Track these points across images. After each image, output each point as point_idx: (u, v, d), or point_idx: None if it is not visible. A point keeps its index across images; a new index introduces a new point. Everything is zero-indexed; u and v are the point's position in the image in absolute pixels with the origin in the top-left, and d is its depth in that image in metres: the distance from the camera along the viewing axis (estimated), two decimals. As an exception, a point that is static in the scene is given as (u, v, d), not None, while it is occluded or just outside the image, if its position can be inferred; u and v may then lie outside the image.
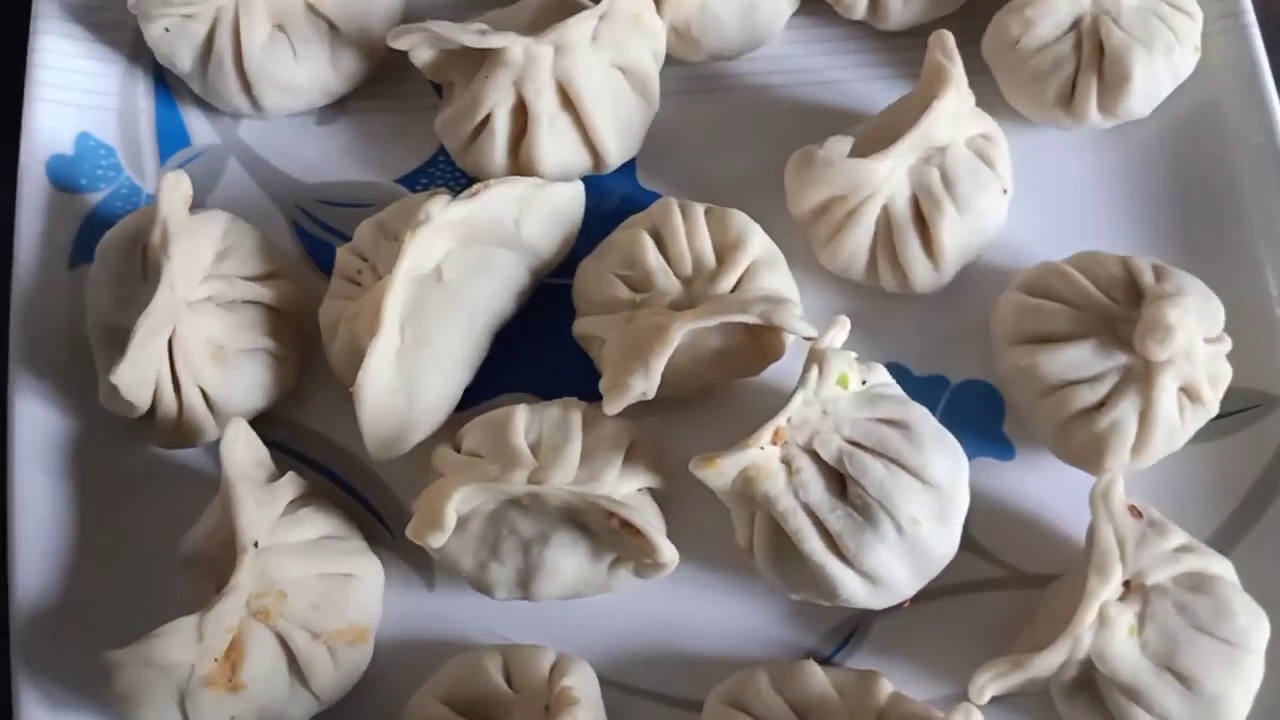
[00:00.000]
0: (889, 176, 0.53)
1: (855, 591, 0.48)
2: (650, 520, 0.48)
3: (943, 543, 0.48)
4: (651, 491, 0.51)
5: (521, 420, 0.50)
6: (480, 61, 0.54)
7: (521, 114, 0.54)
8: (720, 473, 0.47)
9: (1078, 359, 0.51)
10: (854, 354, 0.49)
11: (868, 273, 0.56)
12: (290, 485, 0.50)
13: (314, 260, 0.58)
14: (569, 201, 0.54)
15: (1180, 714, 0.46)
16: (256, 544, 0.46)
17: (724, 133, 0.61)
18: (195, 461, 0.54)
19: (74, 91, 0.59)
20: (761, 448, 0.47)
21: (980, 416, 0.56)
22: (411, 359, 0.51)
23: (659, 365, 0.49)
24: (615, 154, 0.56)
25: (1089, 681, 0.48)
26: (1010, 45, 0.57)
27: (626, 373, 0.50)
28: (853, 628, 0.53)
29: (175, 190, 0.51)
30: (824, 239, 0.55)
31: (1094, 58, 0.56)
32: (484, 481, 0.47)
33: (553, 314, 0.56)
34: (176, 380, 0.50)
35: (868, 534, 0.47)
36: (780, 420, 0.47)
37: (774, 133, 0.60)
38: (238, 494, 0.46)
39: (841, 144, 0.53)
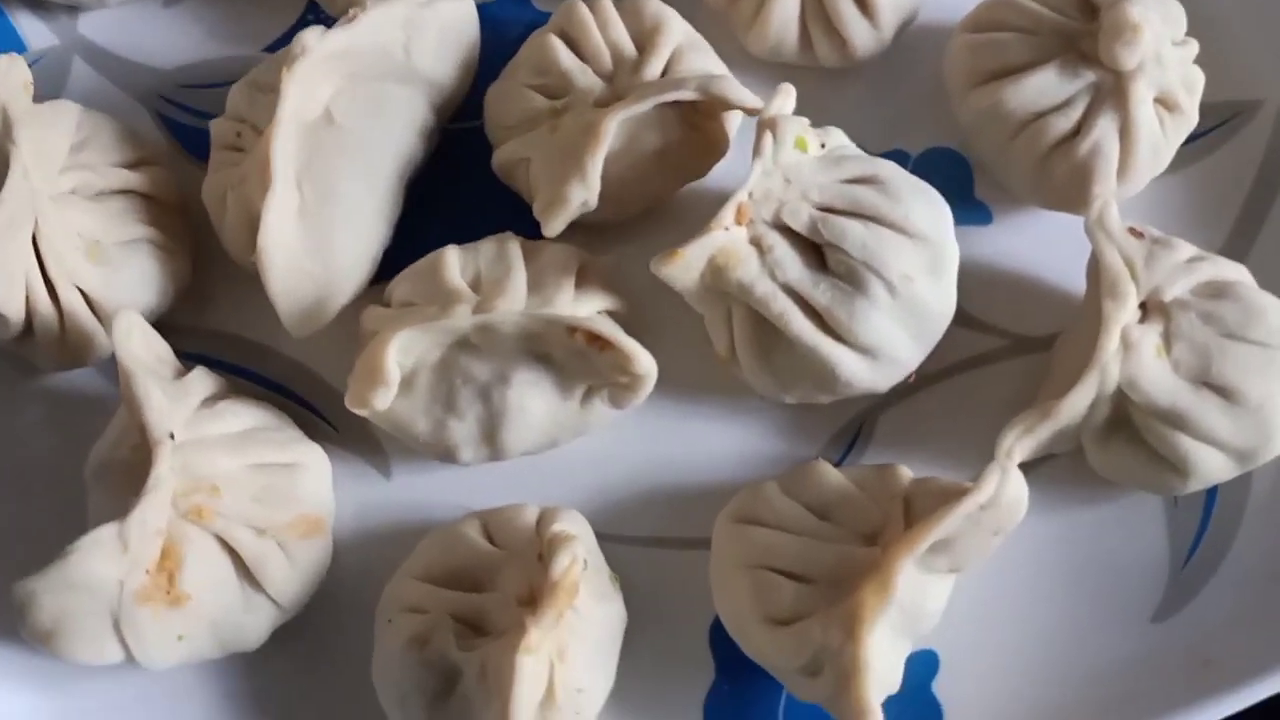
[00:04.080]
0: (808, -69, 0.48)
1: (855, 370, 0.43)
2: (617, 330, 0.42)
3: (939, 299, 0.43)
4: (613, 316, 0.45)
5: (455, 259, 0.44)
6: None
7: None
8: (686, 265, 0.42)
9: (1043, 85, 0.46)
10: (806, 120, 0.44)
11: (801, 49, 0.51)
12: (202, 380, 0.44)
13: (188, 151, 0.52)
14: (460, 19, 0.48)
15: (1226, 430, 0.42)
16: (173, 436, 0.40)
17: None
18: (93, 385, 0.48)
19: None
20: (726, 229, 0.42)
21: (949, 184, 0.50)
22: (316, 216, 0.45)
23: (596, 166, 0.44)
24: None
25: (1123, 419, 0.43)
26: None
27: (561, 182, 0.44)
28: (857, 427, 0.48)
29: (10, 75, 0.44)
30: (747, 19, 0.50)
31: None
32: (425, 322, 0.41)
33: (470, 160, 0.50)
34: (51, 285, 0.43)
35: (859, 302, 0.42)
36: (742, 195, 0.42)
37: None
38: (140, 384, 0.40)
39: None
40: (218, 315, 0.49)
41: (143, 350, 0.42)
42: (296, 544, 0.42)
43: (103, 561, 0.37)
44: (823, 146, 0.44)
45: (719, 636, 0.44)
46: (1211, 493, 0.46)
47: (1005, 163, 0.49)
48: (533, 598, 0.39)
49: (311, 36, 0.44)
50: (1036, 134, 0.47)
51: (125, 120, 0.49)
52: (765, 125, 0.43)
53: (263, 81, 0.47)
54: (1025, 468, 0.42)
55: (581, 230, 0.46)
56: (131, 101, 0.52)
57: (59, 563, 0.37)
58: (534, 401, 0.43)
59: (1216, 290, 0.43)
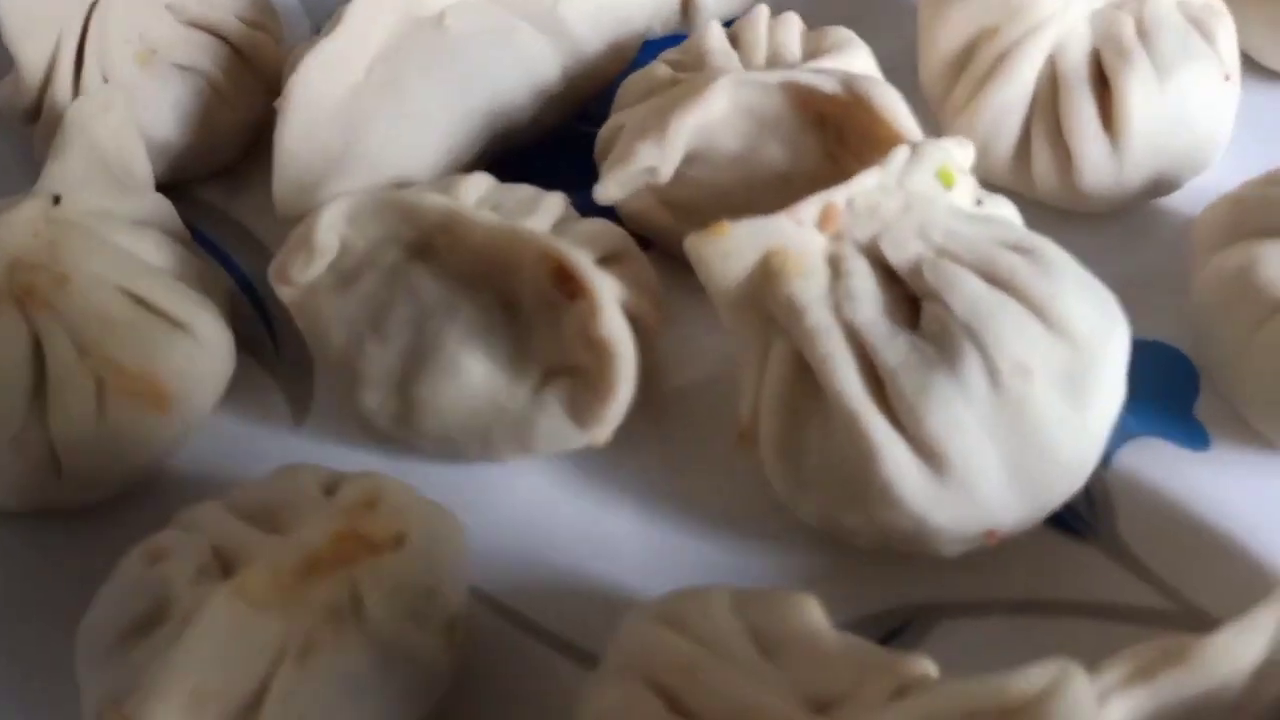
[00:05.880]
0: (1064, 9, 0.38)
1: (903, 474, 0.28)
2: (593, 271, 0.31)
3: (1068, 432, 0.29)
4: (632, 322, 0.33)
5: (483, 181, 0.35)
6: None
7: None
8: (729, 250, 0.30)
9: (1326, 257, 0.32)
10: (971, 158, 0.33)
11: (1014, 164, 0.39)
12: (155, 203, 0.36)
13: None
14: (632, 3, 0.42)
15: None
16: (58, 200, 0.32)
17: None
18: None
19: None
20: (800, 223, 0.31)
21: (1164, 389, 0.37)
22: (367, 98, 0.38)
23: (681, 129, 0.34)
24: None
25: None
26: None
27: (637, 138, 0.35)
28: (905, 619, 0.32)
29: None
30: (961, 102, 0.40)
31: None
32: (384, 194, 0.32)
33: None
34: (81, 64, 0.39)
35: (938, 375, 0.28)
36: (838, 195, 0.31)
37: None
38: (68, 138, 0.33)
39: (1001, -48, 0.39)
40: (238, 204, 0.43)
41: (105, 129, 0.35)
42: (117, 398, 0.32)
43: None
44: (979, 204, 0.32)
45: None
46: None
47: (1241, 360, 0.34)
48: (309, 561, 0.26)
49: (458, -74, 0.39)
50: (1296, 322, 0.32)
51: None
52: (908, 145, 0.32)
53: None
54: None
55: (660, 253, 0.37)
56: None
57: None
58: (473, 357, 0.32)
59: None
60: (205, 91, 0.41)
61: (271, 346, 0.39)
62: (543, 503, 0.34)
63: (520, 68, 0.41)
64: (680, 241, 0.32)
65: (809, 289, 0.30)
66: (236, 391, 0.36)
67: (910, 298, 0.30)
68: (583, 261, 0.30)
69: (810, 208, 0.31)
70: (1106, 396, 0.30)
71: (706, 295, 0.32)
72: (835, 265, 0.31)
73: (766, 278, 0.31)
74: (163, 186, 0.39)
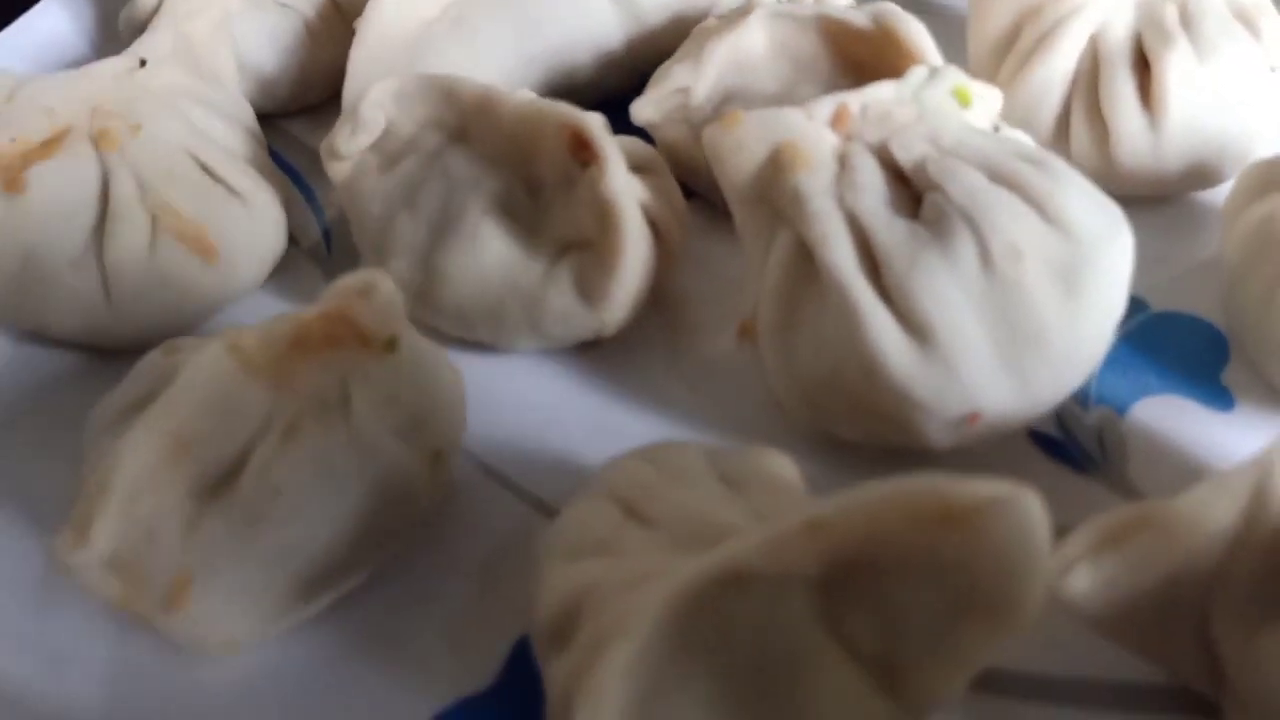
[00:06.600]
0: (1106, -10, 0.39)
1: (889, 344, 0.29)
2: (613, 149, 0.32)
3: (1058, 313, 0.29)
4: (650, 218, 0.34)
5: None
6: None
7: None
8: (742, 139, 0.32)
9: (1353, 207, 0.32)
10: (998, 91, 0.34)
11: (1055, 137, 0.40)
12: (235, 100, 0.40)
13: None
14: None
15: None
16: (144, 63, 0.35)
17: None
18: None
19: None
20: (810, 118, 0.32)
21: (1192, 355, 0.36)
22: (439, 32, 0.41)
23: (715, 53, 0.36)
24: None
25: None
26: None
27: (674, 61, 0.37)
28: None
29: None
30: (1005, 80, 0.41)
31: None
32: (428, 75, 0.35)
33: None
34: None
35: (929, 252, 0.29)
36: (852, 100, 0.32)
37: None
38: (162, 21, 0.37)
39: (1048, -71, 0.40)
40: (318, 138, 0.46)
41: (197, 30, 0.39)
42: (170, 242, 0.34)
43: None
44: (996, 129, 0.33)
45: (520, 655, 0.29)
46: None
47: (1264, 317, 0.33)
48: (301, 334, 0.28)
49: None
50: (1322, 269, 0.32)
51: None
52: (927, 66, 0.33)
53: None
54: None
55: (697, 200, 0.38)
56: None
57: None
58: (492, 227, 0.33)
59: None
60: (300, 29, 0.44)
61: (325, 251, 0.41)
62: (547, 391, 0.35)
63: (585, 29, 0.43)
64: (714, 178, 0.34)
65: (815, 180, 0.31)
66: (285, 277, 0.39)
67: (915, 196, 0.31)
68: (595, 125, 0.32)
69: (824, 106, 0.32)
70: (1103, 295, 0.29)
71: (735, 237, 0.33)
72: (843, 161, 0.32)
73: (776, 170, 0.32)
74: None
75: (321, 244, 0.41)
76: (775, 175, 0.32)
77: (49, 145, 0.34)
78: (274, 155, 0.42)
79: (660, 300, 0.37)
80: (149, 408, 0.27)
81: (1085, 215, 0.30)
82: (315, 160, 0.45)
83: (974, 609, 0.21)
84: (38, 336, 0.36)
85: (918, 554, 0.22)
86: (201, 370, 0.26)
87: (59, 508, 0.31)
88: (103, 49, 0.48)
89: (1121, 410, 0.35)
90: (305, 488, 0.27)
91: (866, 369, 0.29)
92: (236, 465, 0.27)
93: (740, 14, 0.39)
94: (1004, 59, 0.41)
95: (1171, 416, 0.34)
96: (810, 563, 0.22)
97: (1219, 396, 0.35)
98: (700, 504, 0.25)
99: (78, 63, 0.48)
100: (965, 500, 0.22)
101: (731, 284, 0.38)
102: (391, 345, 0.28)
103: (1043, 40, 0.40)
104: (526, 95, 0.34)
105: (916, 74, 0.33)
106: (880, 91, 0.32)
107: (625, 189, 0.32)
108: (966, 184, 0.30)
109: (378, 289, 0.28)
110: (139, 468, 0.25)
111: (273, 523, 0.26)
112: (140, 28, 0.44)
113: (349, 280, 0.28)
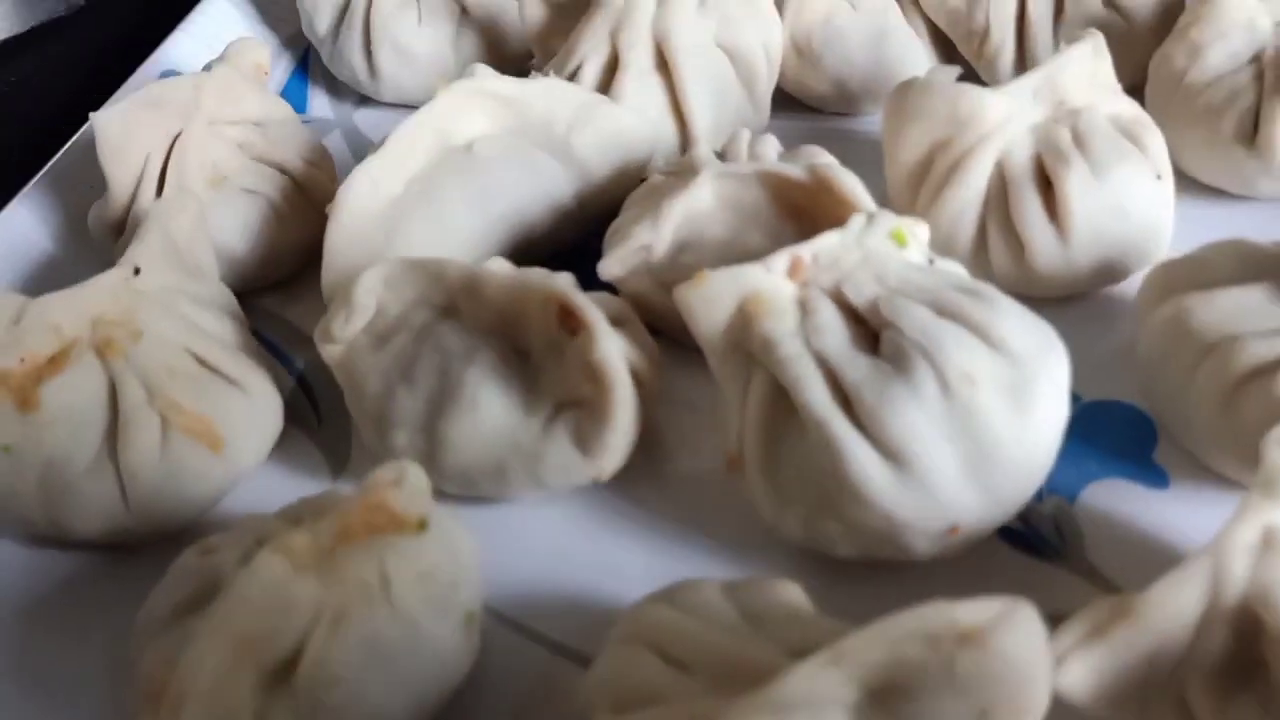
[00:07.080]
0: (1005, 122, 0.44)
1: (871, 474, 0.32)
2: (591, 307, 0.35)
3: (1014, 432, 0.32)
4: (635, 377, 0.38)
5: (505, 265, 0.40)
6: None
7: (614, 70, 0.51)
8: (710, 294, 0.35)
9: (1245, 303, 0.37)
10: (926, 228, 0.38)
11: (974, 253, 0.44)
12: (218, 288, 0.42)
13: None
14: (633, 134, 0.48)
15: None
16: (138, 271, 0.38)
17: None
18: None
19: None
20: (769, 270, 0.35)
21: (1122, 438, 0.40)
22: (407, 206, 0.44)
23: (672, 212, 0.40)
24: (704, 129, 0.51)
25: (1253, 666, 0.28)
26: (1177, 80, 0.49)
27: (632, 222, 0.40)
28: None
29: (246, 51, 0.50)
30: (924, 207, 0.45)
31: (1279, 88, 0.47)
32: (415, 259, 0.37)
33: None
34: (163, 184, 0.46)
35: (896, 386, 0.32)
36: (804, 251, 0.36)
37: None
38: (149, 227, 0.39)
39: (947, 72, 0.45)
40: (292, 309, 0.48)
41: (179, 228, 0.41)
42: (180, 437, 0.36)
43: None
44: (931, 262, 0.37)
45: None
46: None
47: (1184, 400, 0.38)
48: (344, 528, 0.30)
49: (481, 69, 0.46)
50: (1226, 359, 0.36)
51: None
52: (865, 213, 0.37)
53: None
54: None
55: (664, 340, 0.42)
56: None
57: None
58: (491, 397, 0.36)
59: None
60: (267, 213, 0.47)
61: (316, 421, 0.43)
62: (552, 534, 0.38)
63: (538, 188, 0.47)
64: (676, 321, 0.37)
65: (781, 326, 0.35)
66: (283, 454, 0.41)
67: (872, 334, 0.35)
68: (581, 297, 0.35)
69: (779, 259, 0.36)
70: (1048, 407, 0.33)
71: (702, 372, 0.37)
72: (804, 306, 0.35)
73: (745, 321, 0.35)
74: (226, 293, 0.45)
75: (312, 415, 0.43)
76: (745, 325, 0.35)
77: (57, 361, 0.36)
78: (253, 332, 0.45)
79: (640, 436, 0.40)
80: (204, 611, 0.29)
81: (1023, 337, 0.34)
82: (291, 332, 0.47)
83: (995, 715, 0.24)
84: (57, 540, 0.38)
85: (937, 672, 0.25)
86: (256, 574, 0.28)
87: (98, 705, 0.32)
88: (70, 247, 0.50)
89: (1071, 498, 0.38)
90: (359, 671, 0.28)
91: (852, 495, 0.32)
92: (294, 655, 0.28)
93: (688, 173, 0.42)
94: (920, 187, 0.46)
95: (1116, 498, 0.38)
96: (846, 691, 0.25)
97: (1155, 475, 0.39)
98: (729, 644, 0.28)
99: (46, 262, 0.50)
100: (976, 620, 0.25)
101: (700, 413, 0.41)
102: (423, 525, 0.30)
103: (954, 169, 0.44)
104: (505, 268, 0.37)
105: (856, 221, 0.36)
106: (827, 241, 0.36)
107: (614, 351, 0.35)
108: (917, 320, 0.34)
109: (408, 477, 0.30)
110: (212, 670, 0.27)
111: (335, 711, 0.28)
112: (112, 226, 0.46)
113: (383, 472, 0.30)
